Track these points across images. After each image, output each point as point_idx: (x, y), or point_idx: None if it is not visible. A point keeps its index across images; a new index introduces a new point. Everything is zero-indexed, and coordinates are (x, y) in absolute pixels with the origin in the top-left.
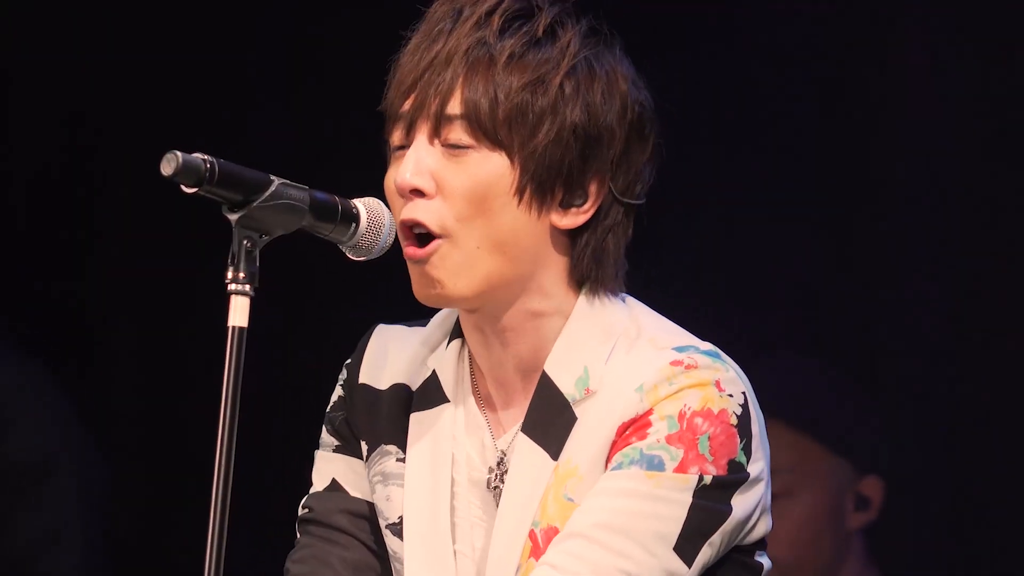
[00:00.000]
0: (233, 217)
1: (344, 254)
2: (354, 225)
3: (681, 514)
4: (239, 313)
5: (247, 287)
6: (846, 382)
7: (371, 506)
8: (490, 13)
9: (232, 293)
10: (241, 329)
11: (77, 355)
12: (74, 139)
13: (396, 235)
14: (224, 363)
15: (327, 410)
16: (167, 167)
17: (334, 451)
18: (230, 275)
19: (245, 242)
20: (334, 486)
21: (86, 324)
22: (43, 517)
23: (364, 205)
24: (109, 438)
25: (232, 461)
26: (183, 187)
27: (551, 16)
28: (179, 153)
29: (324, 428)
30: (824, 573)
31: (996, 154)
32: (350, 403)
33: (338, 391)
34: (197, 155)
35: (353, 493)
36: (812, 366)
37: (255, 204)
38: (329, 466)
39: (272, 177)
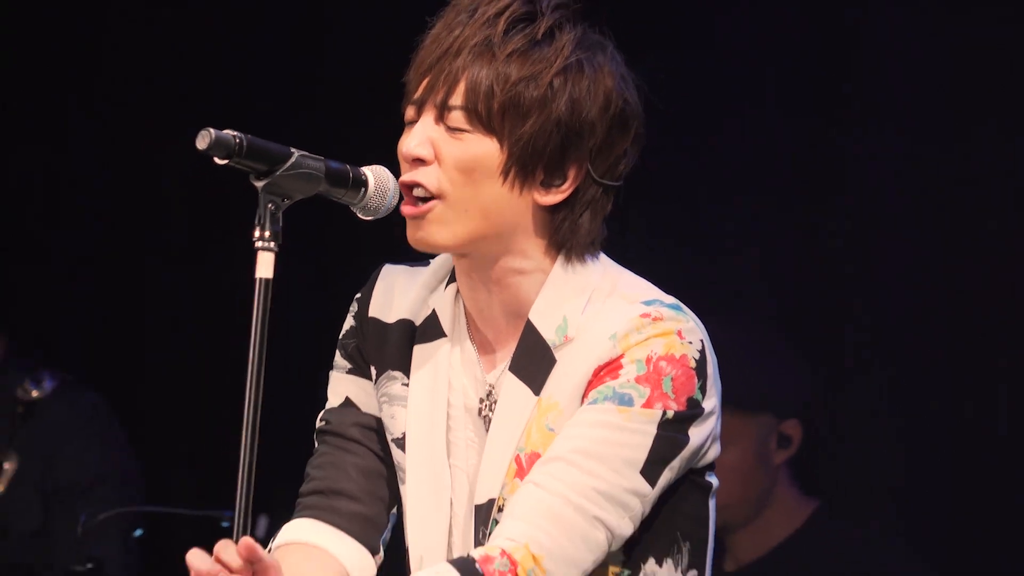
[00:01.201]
0: (259, 184)
1: (355, 214)
2: (363, 190)
3: (647, 443)
4: (265, 266)
5: (271, 244)
6: (763, 345)
7: (379, 421)
8: (499, 14)
9: (259, 249)
10: (267, 280)
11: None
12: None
13: (400, 198)
14: (253, 310)
15: (340, 337)
16: (202, 142)
17: (347, 373)
18: (257, 234)
19: (269, 206)
20: (347, 403)
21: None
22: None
23: (372, 172)
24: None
25: (262, 386)
26: (216, 159)
27: (551, 20)
28: (212, 130)
29: (338, 352)
30: (760, 500)
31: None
32: (361, 333)
33: (350, 321)
34: (227, 131)
35: (364, 409)
36: (736, 338)
37: (278, 173)
38: (342, 386)
39: (292, 149)
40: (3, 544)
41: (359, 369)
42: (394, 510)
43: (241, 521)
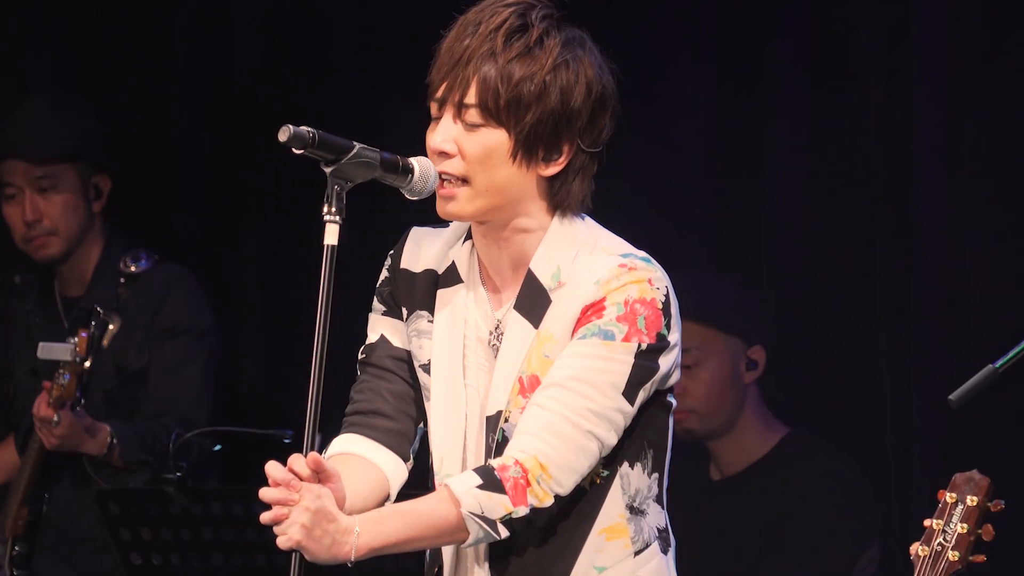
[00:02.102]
0: (328, 170)
1: (403, 195)
2: (410, 176)
3: (626, 369)
4: (331, 235)
5: (337, 217)
6: (736, 284)
7: (408, 353)
8: (498, 28)
9: (327, 222)
10: (332, 246)
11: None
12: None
13: (438, 183)
14: (321, 271)
15: (377, 285)
16: (283, 135)
17: (382, 315)
18: (325, 209)
19: (336, 187)
20: (383, 339)
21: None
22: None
23: (417, 162)
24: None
25: (328, 329)
26: (294, 150)
27: (540, 29)
28: (291, 126)
29: (375, 298)
30: (732, 415)
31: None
32: (394, 281)
33: (384, 272)
34: (304, 127)
35: (396, 344)
36: (712, 275)
37: (343, 161)
38: (379, 325)
39: (354, 143)
40: (117, 380)
41: (392, 311)
42: (420, 425)
43: (309, 439)
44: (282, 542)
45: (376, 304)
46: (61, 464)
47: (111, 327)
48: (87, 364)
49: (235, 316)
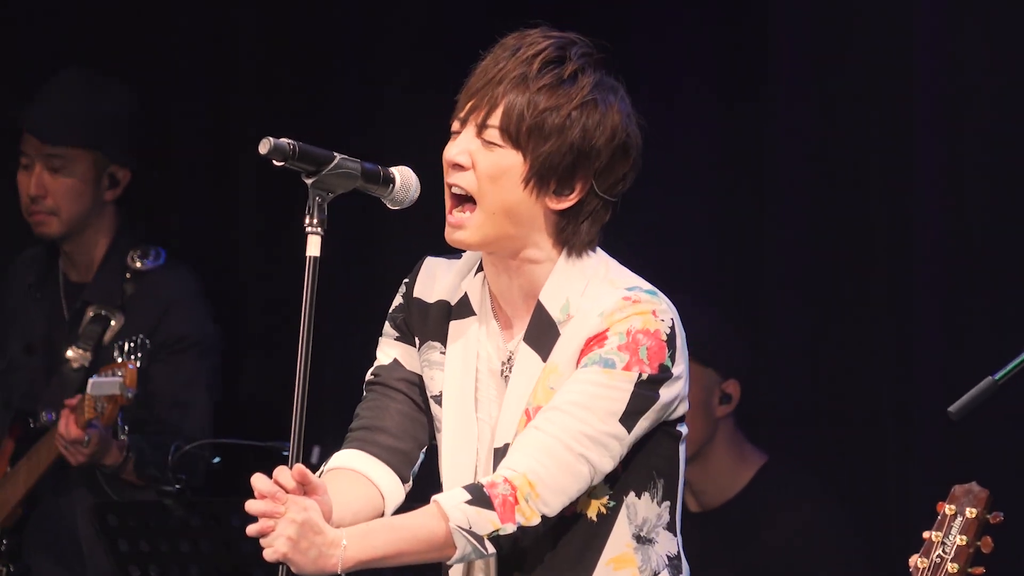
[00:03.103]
0: (309, 181)
1: (385, 206)
2: (391, 185)
3: (625, 397)
4: (313, 247)
5: (319, 229)
6: (718, 317)
7: (420, 378)
8: (535, 55)
9: (309, 233)
10: (315, 258)
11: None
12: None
13: (420, 192)
14: (305, 281)
15: (390, 311)
16: (264, 147)
17: (395, 340)
18: (307, 221)
19: (317, 198)
20: (395, 362)
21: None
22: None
23: (399, 172)
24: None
25: (311, 339)
26: (274, 162)
27: (576, 65)
28: (271, 139)
29: (387, 323)
30: (697, 446)
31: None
32: (408, 309)
33: (399, 299)
34: (283, 140)
35: (408, 368)
36: (691, 305)
37: (323, 172)
38: (391, 349)
39: (335, 153)
40: None
41: (405, 337)
42: (424, 449)
43: (295, 451)
44: (268, 554)
45: (389, 329)
46: (64, 470)
47: (113, 323)
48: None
49: (235, 328)
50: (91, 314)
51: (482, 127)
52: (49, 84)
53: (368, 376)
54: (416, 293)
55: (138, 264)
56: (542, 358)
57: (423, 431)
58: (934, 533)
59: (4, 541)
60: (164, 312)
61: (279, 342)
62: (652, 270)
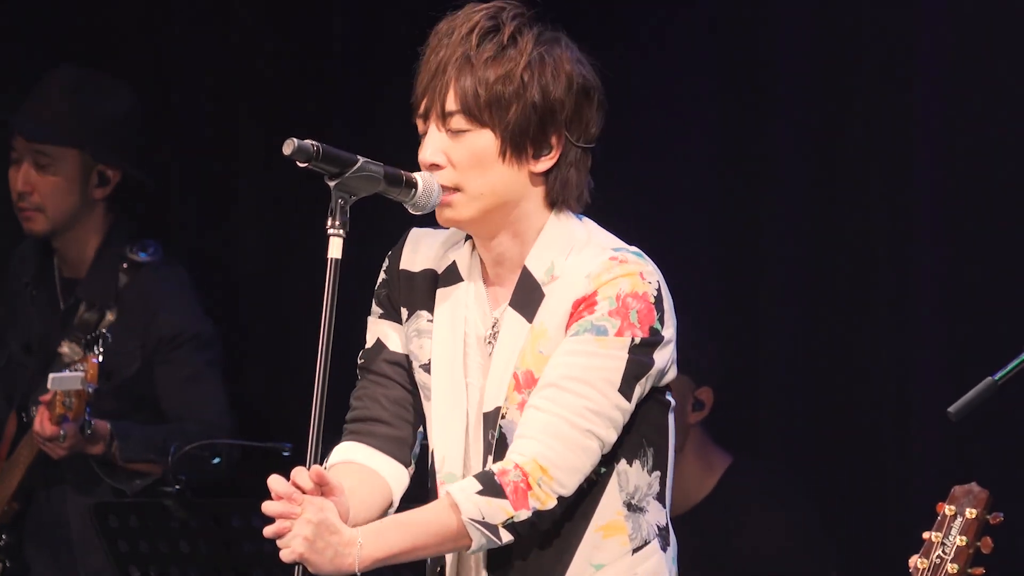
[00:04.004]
0: (332, 183)
1: (406, 209)
2: (414, 190)
3: (621, 365)
4: (335, 249)
5: (341, 231)
6: (692, 323)
7: (406, 357)
8: (470, 31)
9: (331, 235)
10: (336, 260)
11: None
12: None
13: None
14: (326, 283)
15: (375, 287)
16: (287, 148)
17: (379, 318)
18: (329, 223)
19: (339, 201)
20: (379, 343)
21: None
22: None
23: (421, 177)
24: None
25: (331, 341)
26: (298, 163)
27: (512, 28)
28: (296, 139)
29: (373, 301)
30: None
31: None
32: (391, 283)
33: (382, 274)
34: (308, 141)
35: (392, 348)
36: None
37: (346, 175)
38: (375, 328)
39: (358, 156)
40: (107, 386)
41: (389, 314)
42: (420, 428)
43: (312, 452)
44: (285, 555)
45: (374, 307)
46: (55, 465)
47: (109, 316)
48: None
49: (236, 329)
50: (84, 309)
51: (444, 118)
52: (40, 82)
53: (359, 360)
54: (401, 265)
55: (136, 256)
56: (527, 320)
57: (415, 413)
58: (934, 534)
59: (3, 536)
60: (157, 309)
61: (279, 343)
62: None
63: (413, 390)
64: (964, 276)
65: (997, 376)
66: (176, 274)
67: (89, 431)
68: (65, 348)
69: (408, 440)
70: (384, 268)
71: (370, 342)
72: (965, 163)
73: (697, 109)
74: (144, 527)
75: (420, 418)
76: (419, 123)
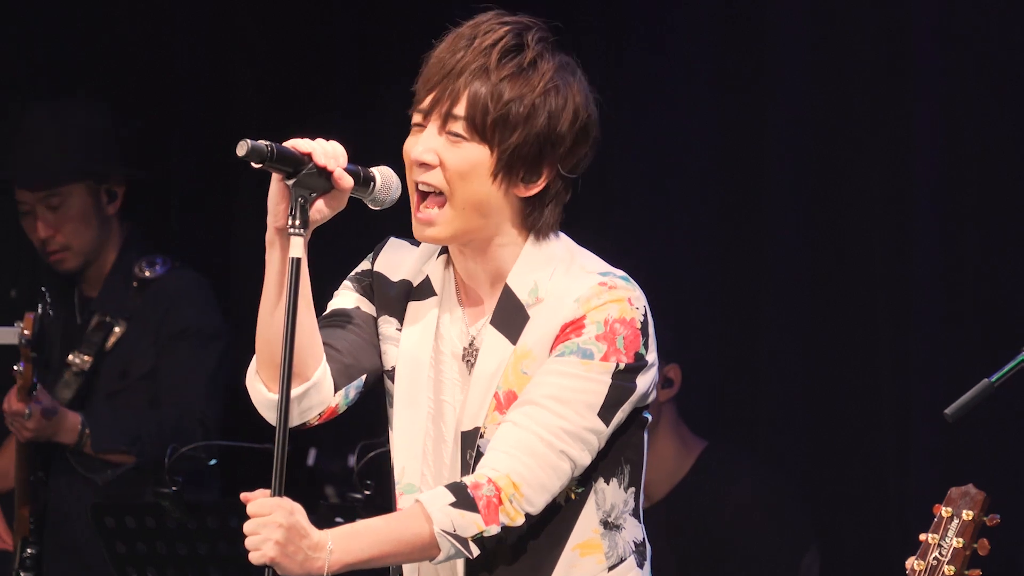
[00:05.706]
0: (289, 183)
1: (367, 206)
2: (372, 185)
3: (603, 389)
4: (296, 248)
5: (300, 230)
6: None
7: (376, 321)
8: (493, 44)
9: (291, 235)
10: (298, 259)
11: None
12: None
13: (400, 193)
14: (287, 283)
15: (354, 272)
16: (241, 149)
17: (358, 292)
18: (289, 222)
19: (300, 199)
20: (356, 307)
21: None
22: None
23: (379, 172)
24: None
25: (295, 325)
26: (252, 164)
27: (535, 52)
28: (249, 140)
29: (349, 282)
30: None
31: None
32: (372, 276)
33: (365, 265)
34: (261, 141)
35: (365, 310)
36: None
37: (302, 173)
38: (351, 296)
39: (311, 155)
40: (122, 383)
41: (366, 295)
42: (364, 378)
43: (280, 454)
44: (255, 558)
45: (349, 283)
46: (59, 469)
47: (117, 330)
48: (34, 354)
49: (234, 330)
50: (96, 321)
51: (446, 120)
52: (23, 128)
53: (324, 315)
54: (378, 268)
55: (147, 273)
56: (510, 341)
57: (369, 360)
58: (931, 535)
59: (28, 550)
60: (169, 307)
61: None
62: (651, 269)
63: (376, 344)
64: (963, 277)
65: (994, 378)
66: (188, 276)
67: (54, 416)
68: (72, 357)
69: (350, 370)
70: (368, 259)
71: (345, 304)
72: (965, 163)
73: (697, 109)
74: (141, 528)
75: (371, 369)
76: (417, 115)
